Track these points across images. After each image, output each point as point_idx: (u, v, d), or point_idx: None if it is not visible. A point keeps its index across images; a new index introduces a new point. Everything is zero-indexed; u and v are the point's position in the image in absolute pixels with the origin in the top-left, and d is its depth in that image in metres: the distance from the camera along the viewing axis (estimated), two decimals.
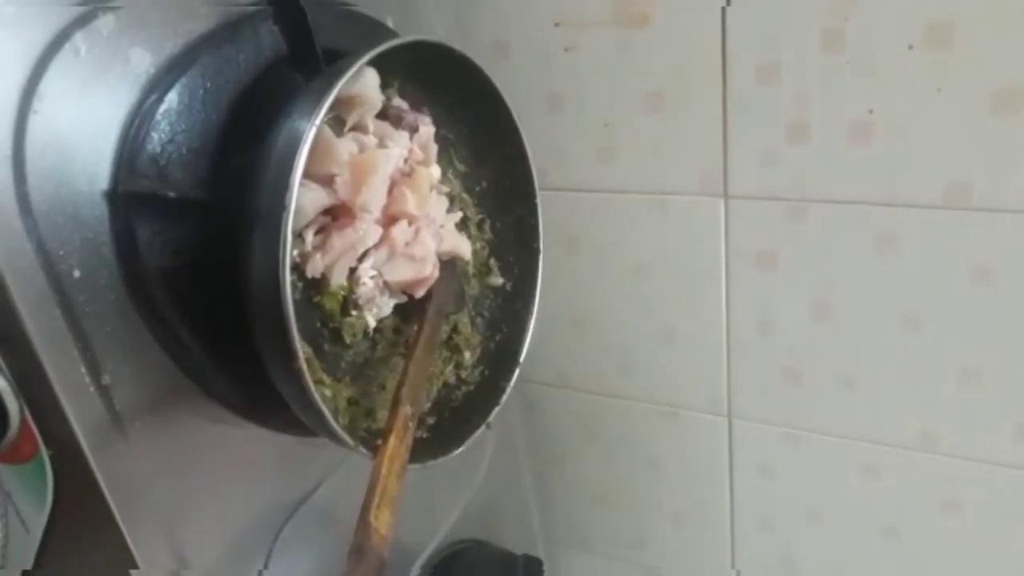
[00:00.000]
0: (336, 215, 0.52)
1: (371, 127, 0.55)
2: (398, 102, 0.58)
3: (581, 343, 0.90)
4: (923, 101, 0.65)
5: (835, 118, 0.68)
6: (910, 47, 0.64)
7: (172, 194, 0.49)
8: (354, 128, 0.54)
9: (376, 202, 0.52)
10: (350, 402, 0.54)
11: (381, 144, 0.54)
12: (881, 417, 0.78)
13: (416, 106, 0.60)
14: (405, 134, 0.57)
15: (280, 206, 0.43)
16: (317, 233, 0.52)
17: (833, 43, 0.66)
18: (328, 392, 0.51)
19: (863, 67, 0.66)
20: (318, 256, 0.51)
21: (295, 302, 0.45)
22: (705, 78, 0.72)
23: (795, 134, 0.70)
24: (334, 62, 0.53)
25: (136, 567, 0.51)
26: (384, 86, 0.56)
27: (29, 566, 0.52)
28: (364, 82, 0.52)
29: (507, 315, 0.67)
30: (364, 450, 0.51)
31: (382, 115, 0.57)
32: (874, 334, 0.75)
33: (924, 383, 0.74)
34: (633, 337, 0.87)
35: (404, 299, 0.58)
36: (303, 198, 0.47)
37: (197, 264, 0.50)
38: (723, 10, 0.69)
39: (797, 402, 0.81)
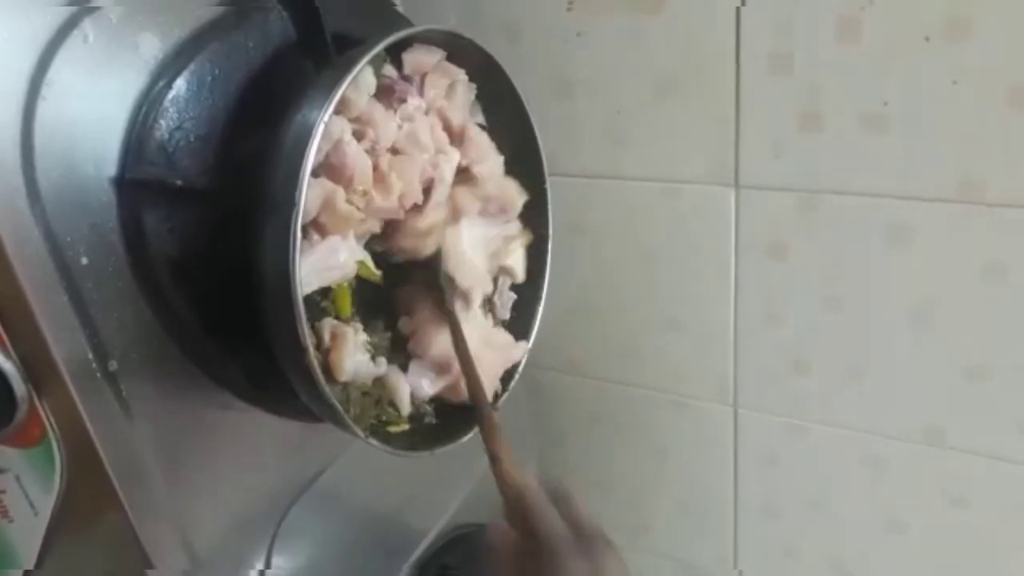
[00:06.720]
0: None
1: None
2: (388, 70, 0.56)
3: (589, 330, 0.90)
4: (939, 94, 0.64)
5: (849, 109, 0.68)
6: (927, 39, 0.63)
7: (179, 182, 0.49)
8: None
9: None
10: (364, 393, 0.54)
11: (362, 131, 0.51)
12: (888, 410, 0.78)
13: (406, 76, 0.56)
14: (392, 115, 0.53)
15: (290, 202, 0.43)
16: None
17: (849, 33, 0.65)
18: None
19: (879, 58, 0.65)
20: None
21: (304, 296, 0.45)
22: (718, 66, 0.71)
23: (808, 125, 0.69)
24: (343, 47, 0.52)
25: (141, 548, 0.52)
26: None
27: (38, 546, 0.52)
28: (354, 85, 0.50)
29: (516, 301, 0.67)
30: (375, 441, 0.52)
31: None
32: (883, 327, 0.74)
33: (932, 377, 0.74)
34: (641, 325, 0.87)
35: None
36: (309, 192, 0.46)
37: (204, 252, 0.50)
38: None
39: (804, 393, 0.81)
